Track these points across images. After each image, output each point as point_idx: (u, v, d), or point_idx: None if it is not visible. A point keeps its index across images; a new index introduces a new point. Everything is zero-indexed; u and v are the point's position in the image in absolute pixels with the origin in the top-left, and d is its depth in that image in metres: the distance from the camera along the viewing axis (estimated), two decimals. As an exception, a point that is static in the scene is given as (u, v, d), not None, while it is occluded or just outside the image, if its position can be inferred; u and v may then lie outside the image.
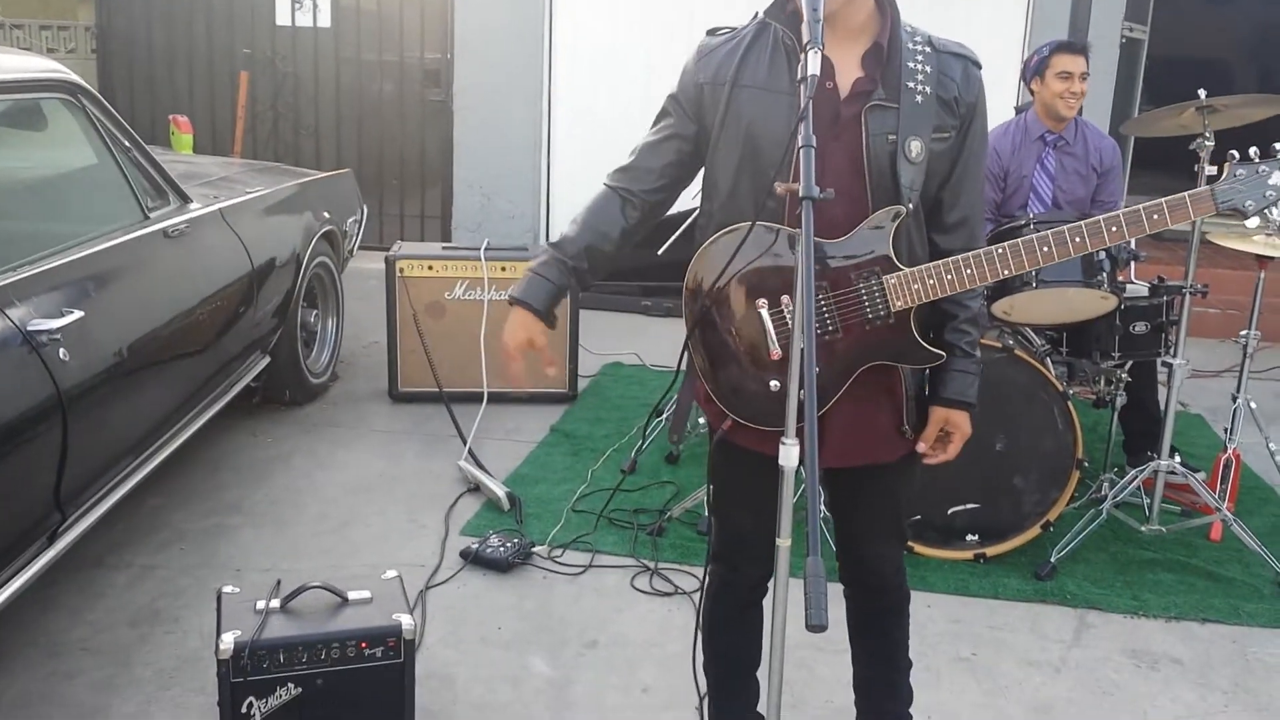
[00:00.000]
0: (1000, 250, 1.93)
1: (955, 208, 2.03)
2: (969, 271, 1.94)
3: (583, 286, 2.15)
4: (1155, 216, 1.90)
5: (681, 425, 2.16)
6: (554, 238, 2.10)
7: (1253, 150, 1.97)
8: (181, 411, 3.46)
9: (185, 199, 3.67)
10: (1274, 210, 1.92)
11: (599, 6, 7.15)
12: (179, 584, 3.23)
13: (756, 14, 2.02)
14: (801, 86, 1.67)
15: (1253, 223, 1.94)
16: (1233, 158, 1.97)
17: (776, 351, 1.94)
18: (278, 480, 3.97)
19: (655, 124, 2.11)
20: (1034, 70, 4.03)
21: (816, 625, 1.42)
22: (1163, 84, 7.72)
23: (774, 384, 1.95)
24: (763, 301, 1.91)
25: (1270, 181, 1.92)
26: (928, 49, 1.96)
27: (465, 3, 7.24)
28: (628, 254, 2.18)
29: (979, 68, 2.00)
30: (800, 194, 1.62)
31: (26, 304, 2.62)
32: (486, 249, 4.76)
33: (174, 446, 3.40)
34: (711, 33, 2.06)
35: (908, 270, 1.93)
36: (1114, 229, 1.92)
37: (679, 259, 2.20)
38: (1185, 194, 1.92)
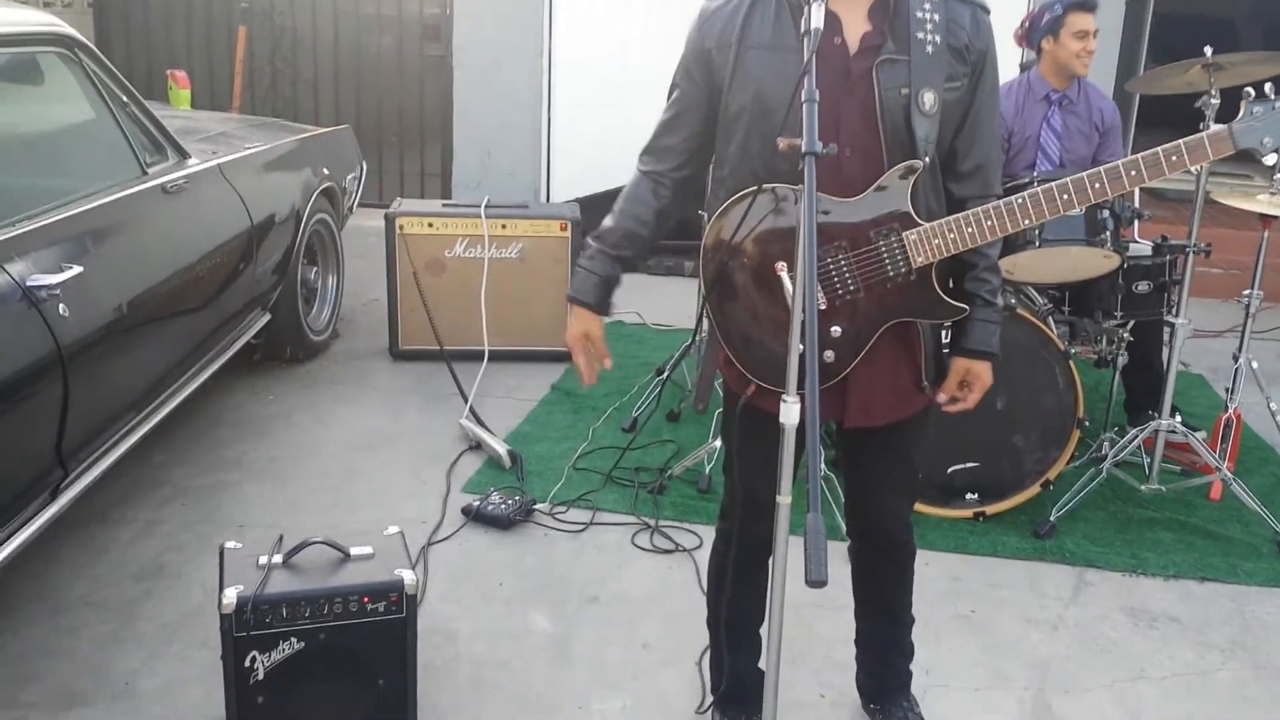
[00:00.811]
0: (1020, 200, 1.92)
1: (970, 155, 2.02)
2: (989, 223, 1.93)
3: (630, 269, 2.20)
4: (1174, 158, 1.89)
5: (706, 394, 2.17)
6: (594, 229, 2.17)
7: (1268, 86, 1.94)
8: (182, 368, 3.46)
9: (183, 154, 3.64)
10: None
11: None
12: (181, 539, 3.24)
13: None
14: (806, 40, 1.65)
15: (1270, 159, 1.92)
16: (1248, 94, 1.95)
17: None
18: (279, 437, 3.97)
19: (669, 97, 2.10)
20: (1046, 29, 3.98)
21: (816, 581, 1.42)
22: (1168, 41, 7.64)
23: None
24: (781, 265, 1.89)
25: None
26: None
27: (465, -44, 7.16)
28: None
29: (987, 13, 1.98)
30: (803, 149, 1.61)
31: (25, 260, 2.61)
32: (487, 206, 4.73)
33: (175, 403, 3.40)
34: None
35: (927, 225, 1.92)
36: (1133, 173, 1.90)
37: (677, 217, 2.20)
38: (1203, 133, 1.91)
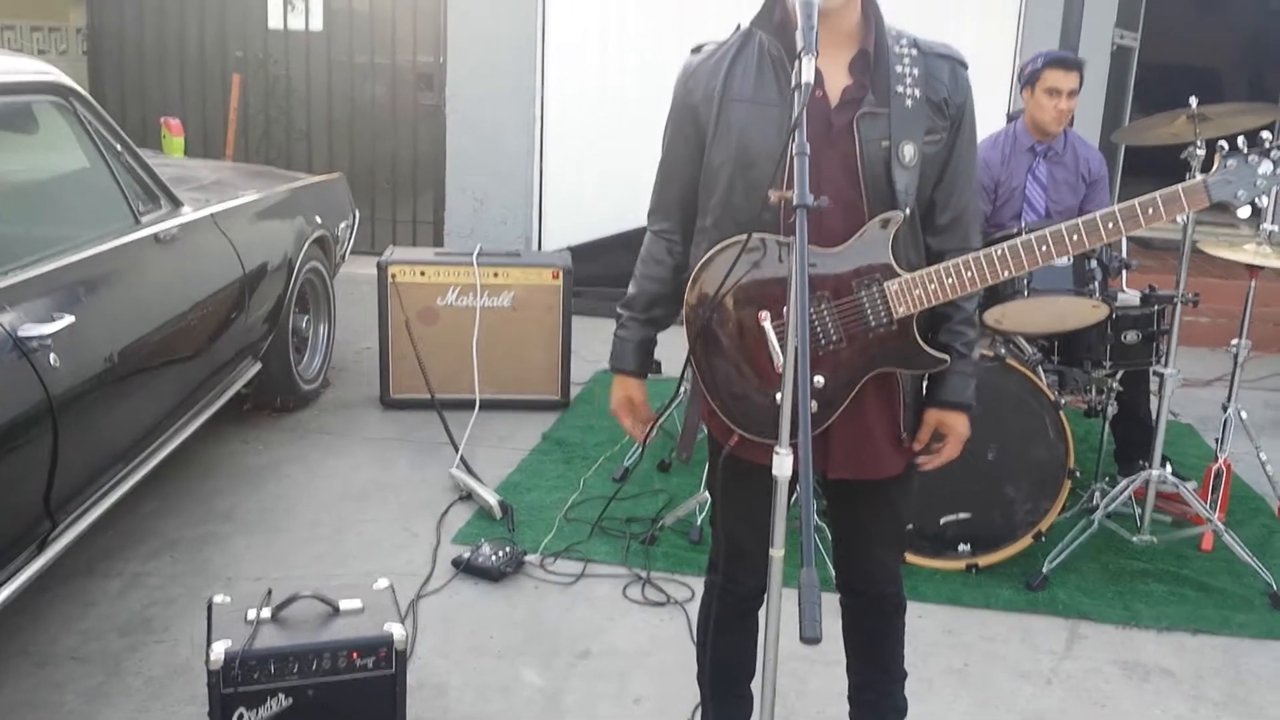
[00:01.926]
0: (1000, 251, 1.93)
1: (948, 208, 2.04)
2: (969, 274, 1.94)
3: (664, 328, 2.21)
4: (1150, 210, 1.92)
5: (690, 444, 2.16)
6: (621, 299, 2.19)
7: (1240, 140, 2.00)
8: (173, 418, 3.44)
9: (176, 203, 3.65)
10: (1262, 199, 1.96)
11: (591, 10, 7.15)
12: (170, 592, 3.21)
13: (739, 26, 2.02)
14: (796, 93, 1.66)
15: (1243, 212, 1.97)
16: (1222, 148, 2.00)
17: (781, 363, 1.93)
18: (269, 488, 3.95)
19: (662, 153, 2.12)
20: (1026, 80, 4.03)
21: (810, 638, 1.41)
22: (1154, 91, 7.74)
23: (779, 397, 1.94)
24: (765, 314, 1.89)
25: (1260, 170, 1.96)
26: (914, 51, 1.96)
27: (458, 6, 7.23)
28: (626, 260, 2.21)
29: (966, 68, 2.01)
30: (794, 202, 1.62)
31: (17, 309, 2.61)
32: (479, 254, 4.75)
33: (165, 453, 3.38)
34: (695, 50, 2.06)
35: (908, 275, 1.93)
36: (1110, 225, 1.92)
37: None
38: (1178, 186, 1.94)
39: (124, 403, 3.06)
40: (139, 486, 3.22)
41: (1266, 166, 1.95)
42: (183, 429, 3.52)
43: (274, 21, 7.65)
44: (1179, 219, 3.40)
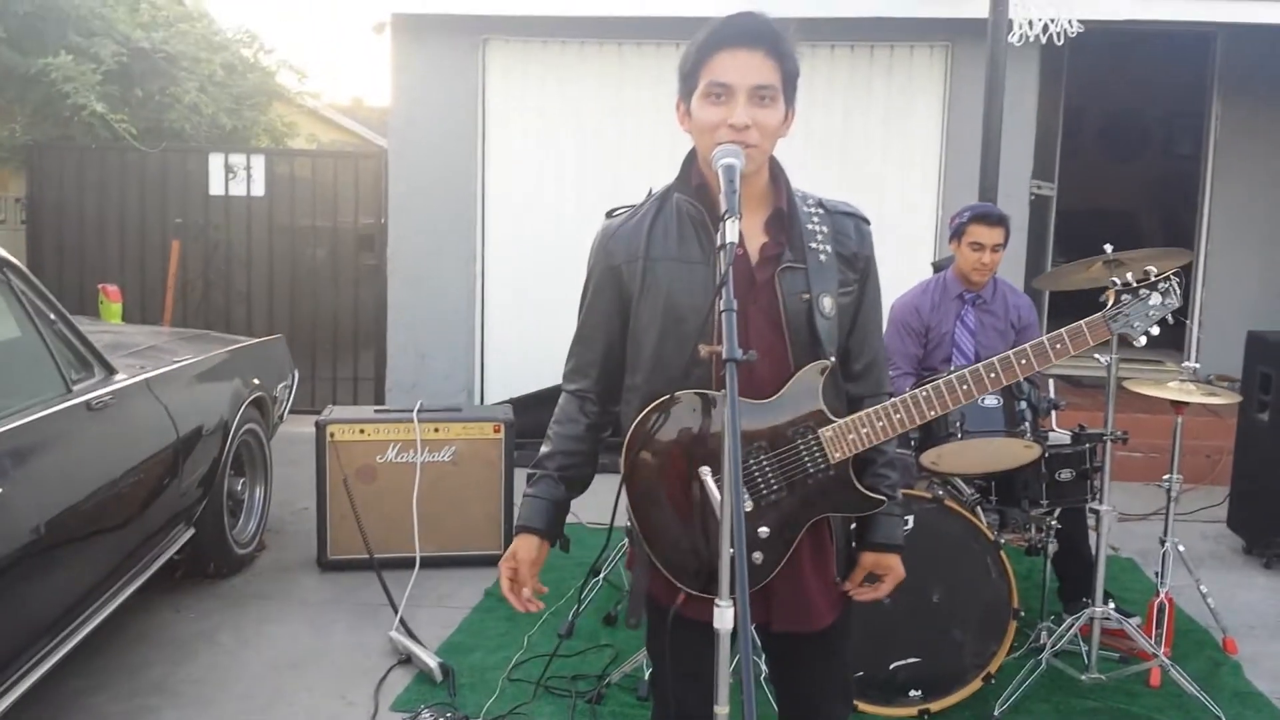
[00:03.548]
0: (925, 393, 2.02)
1: (861, 355, 2.11)
2: (898, 416, 2.00)
3: (580, 489, 2.19)
4: (1058, 346, 2.06)
5: (639, 608, 2.13)
6: (534, 460, 2.16)
7: (1130, 275, 2.20)
8: (102, 588, 3.35)
9: (110, 370, 3.63)
10: (1155, 329, 2.15)
11: (529, 168, 7.36)
12: (92, 774, 3.06)
13: (650, 190, 2.10)
14: (721, 254, 1.73)
15: (1141, 341, 2.16)
16: (1114, 284, 2.18)
17: None
18: (201, 658, 3.82)
19: (580, 314, 2.13)
20: (954, 232, 4.18)
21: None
22: (1073, 236, 8.08)
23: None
24: (705, 469, 1.91)
25: (1150, 303, 2.15)
26: (820, 210, 2.07)
27: (398, 166, 7.41)
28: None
29: (868, 224, 2.12)
30: (724, 356, 1.66)
31: (-61, 483, 2.55)
32: (420, 410, 4.74)
33: (93, 625, 3.28)
34: (609, 214, 2.13)
35: (841, 421, 1.98)
36: (1023, 361, 2.05)
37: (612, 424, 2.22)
38: (1082, 322, 2.09)
39: (51, 574, 2.97)
40: (67, 659, 3.10)
41: (1155, 299, 2.15)
42: (112, 599, 3.42)
43: (215, 188, 7.77)
44: (1102, 359, 3.54)
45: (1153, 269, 2.20)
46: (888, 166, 7.11)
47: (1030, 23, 5.68)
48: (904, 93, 7.16)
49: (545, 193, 7.35)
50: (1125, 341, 2.22)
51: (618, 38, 7.17)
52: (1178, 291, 2.15)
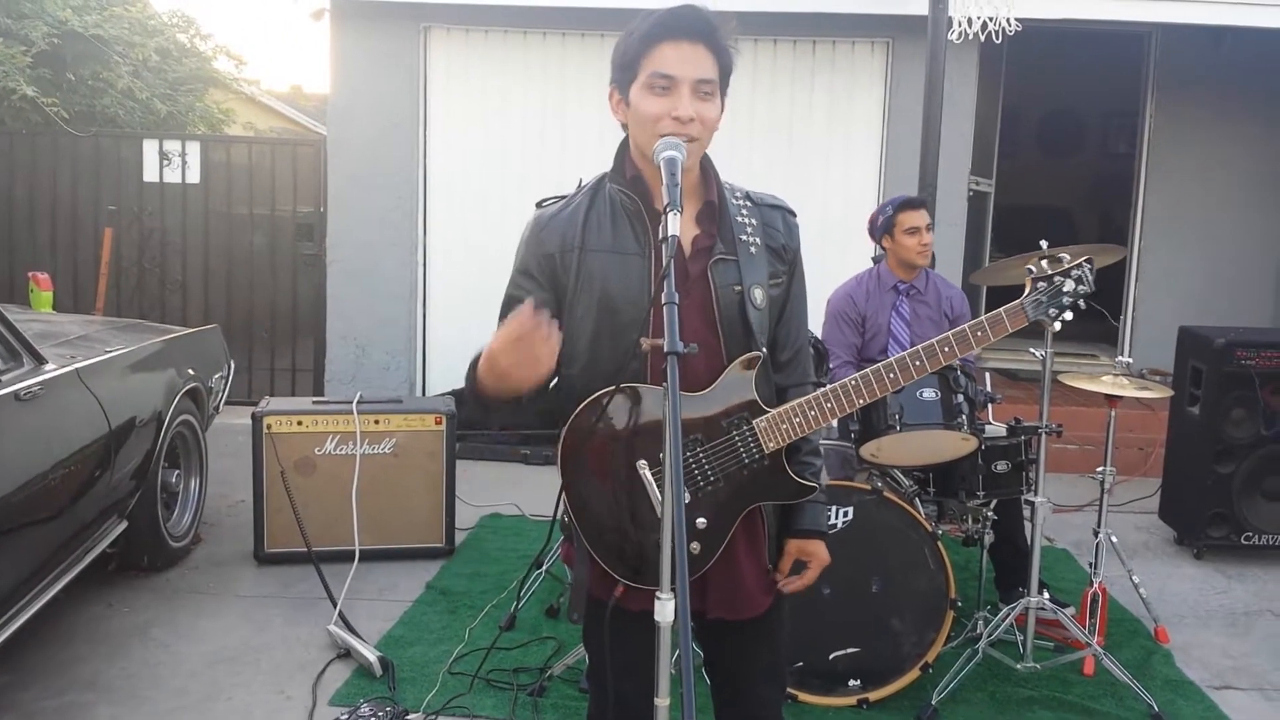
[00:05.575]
0: (854, 382, 2.05)
1: (788, 346, 2.14)
2: (829, 405, 2.03)
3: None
4: (979, 333, 2.11)
5: (582, 603, 2.12)
6: (500, 421, 2.08)
7: (1045, 263, 2.23)
8: (31, 583, 3.27)
9: (40, 360, 3.54)
10: (1070, 314, 2.20)
11: (472, 158, 7.31)
12: (20, 773, 2.99)
13: (580, 181, 2.10)
14: (663, 246, 1.73)
15: (1056, 327, 2.23)
16: (1030, 272, 2.22)
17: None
18: (135, 653, 3.74)
19: (506, 308, 2.06)
20: (883, 229, 4.24)
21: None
22: (1010, 232, 8.21)
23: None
24: (643, 462, 1.91)
25: (1064, 290, 2.19)
26: (749, 203, 2.09)
27: (338, 155, 7.31)
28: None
29: (795, 216, 2.14)
30: (665, 349, 1.66)
31: None
32: (359, 402, 4.69)
33: (23, 620, 3.21)
34: (540, 204, 2.11)
35: (774, 411, 2.00)
36: (947, 349, 2.09)
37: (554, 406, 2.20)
38: (1001, 310, 2.14)
39: (-25, 570, 2.90)
40: (-10, 659, 3.03)
41: (1069, 285, 2.19)
42: (42, 593, 3.35)
43: (149, 175, 7.62)
44: (1037, 353, 3.59)
45: (1066, 256, 2.26)
46: (831, 161, 7.16)
47: (969, 20, 5.75)
48: (846, 88, 7.21)
49: (487, 182, 7.30)
50: (1061, 336, 2.25)
51: (560, 28, 7.14)
52: (1090, 279, 2.21)
